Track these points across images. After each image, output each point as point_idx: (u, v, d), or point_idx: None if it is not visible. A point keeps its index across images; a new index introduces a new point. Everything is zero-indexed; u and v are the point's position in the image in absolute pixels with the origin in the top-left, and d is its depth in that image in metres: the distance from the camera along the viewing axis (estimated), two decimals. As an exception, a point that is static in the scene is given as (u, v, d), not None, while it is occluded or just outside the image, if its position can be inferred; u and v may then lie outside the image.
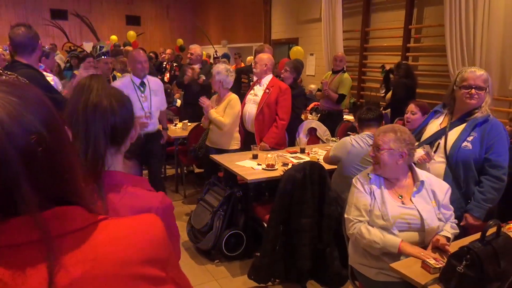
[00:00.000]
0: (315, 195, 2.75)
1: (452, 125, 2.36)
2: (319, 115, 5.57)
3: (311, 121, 4.81)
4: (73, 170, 0.60)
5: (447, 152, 2.31)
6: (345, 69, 5.42)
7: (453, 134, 2.32)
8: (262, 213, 3.20)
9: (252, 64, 3.88)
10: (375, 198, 2.03)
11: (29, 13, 11.81)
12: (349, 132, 4.16)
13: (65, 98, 2.48)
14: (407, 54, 6.09)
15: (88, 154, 0.90)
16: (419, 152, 2.37)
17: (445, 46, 5.10)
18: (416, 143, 2.43)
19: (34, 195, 0.53)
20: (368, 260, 2.05)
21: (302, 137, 4.49)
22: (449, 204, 2.07)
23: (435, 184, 2.07)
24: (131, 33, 11.06)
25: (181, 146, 4.73)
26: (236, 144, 3.77)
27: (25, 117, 0.53)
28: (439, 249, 1.87)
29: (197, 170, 5.43)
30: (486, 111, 2.28)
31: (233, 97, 3.68)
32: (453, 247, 1.73)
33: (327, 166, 2.96)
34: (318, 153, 3.60)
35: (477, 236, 1.60)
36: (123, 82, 3.52)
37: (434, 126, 2.47)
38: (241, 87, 4.75)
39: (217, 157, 3.50)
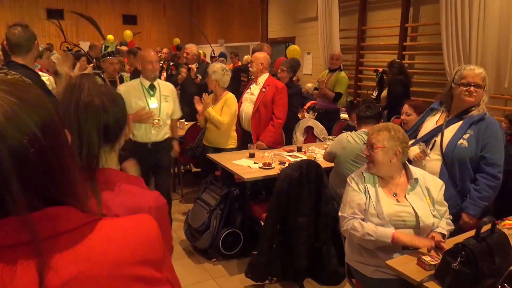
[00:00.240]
0: (312, 194, 2.75)
1: (448, 123, 2.36)
2: (316, 113, 5.58)
3: (308, 119, 4.82)
4: (67, 172, 0.60)
5: (443, 149, 2.32)
6: (341, 67, 5.42)
7: (449, 132, 2.33)
8: (259, 211, 3.21)
9: (249, 63, 3.87)
10: (370, 196, 2.03)
11: (25, 12, 11.76)
12: (343, 131, 4.17)
13: (57, 99, 2.46)
14: (404, 52, 6.10)
15: (82, 153, 0.90)
16: (415, 150, 2.38)
17: (441, 44, 5.12)
18: (412, 141, 2.44)
19: (24, 195, 0.53)
20: (365, 257, 2.06)
21: (299, 136, 4.50)
22: (443, 201, 2.08)
23: (429, 181, 2.08)
24: (128, 33, 11.03)
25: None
26: (233, 143, 3.78)
27: (21, 118, 0.53)
28: (434, 246, 1.88)
29: (194, 169, 5.43)
30: (483, 109, 2.29)
31: (230, 96, 3.68)
32: (448, 244, 1.74)
33: (324, 165, 2.97)
34: (315, 152, 3.61)
35: (472, 233, 1.61)
36: (132, 84, 3.24)
37: (430, 123, 2.48)
38: (240, 86, 4.74)
39: (214, 156, 3.50)
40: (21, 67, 2.43)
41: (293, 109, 4.10)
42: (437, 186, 2.08)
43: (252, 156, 3.45)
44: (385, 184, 2.08)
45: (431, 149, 2.38)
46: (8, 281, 0.53)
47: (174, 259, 0.90)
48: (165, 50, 8.89)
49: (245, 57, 7.91)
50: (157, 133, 3.21)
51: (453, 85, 2.35)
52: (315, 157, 3.38)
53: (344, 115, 5.59)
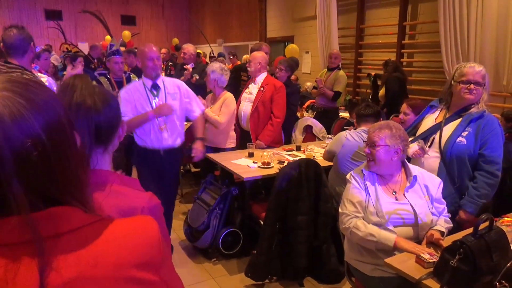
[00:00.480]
0: (311, 193, 2.76)
1: (447, 120, 2.36)
2: (315, 112, 5.58)
3: (306, 118, 4.82)
4: (71, 174, 0.60)
5: (442, 147, 2.32)
6: (340, 66, 5.43)
7: (448, 129, 2.33)
8: (258, 211, 3.21)
9: (247, 62, 3.87)
10: (369, 194, 2.03)
11: (23, 14, 11.76)
12: (345, 127, 4.18)
13: None
14: (402, 50, 6.10)
15: None
16: (414, 147, 2.38)
17: (440, 42, 5.12)
18: (411, 138, 2.44)
19: (25, 195, 0.53)
20: (364, 256, 2.06)
21: (298, 135, 4.50)
22: (441, 198, 2.08)
23: (428, 178, 2.09)
24: (126, 33, 11.01)
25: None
26: (232, 142, 3.78)
27: (27, 120, 0.53)
28: (433, 243, 1.88)
29: (193, 169, 5.43)
30: (482, 107, 2.29)
31: (228, 95, 3.68)
32: (446, 242, 1.74)
33: (323, 163, 2.97)
34: (314, 151, 3.61)
35: (470, 230, 1.61)
36: (134, 85, 2.91)
37: (429, 121, 2.48)
38: (240, 85, 4.74)
39: (213, 156, 3.50)
40: (17, 68, 2.43)
41: (291, 107, 4.10)
42: (436, 184, 2.08)
43: (251, 155, 3.46)
44: (384, 182, 2.08)
45: (429, 147, 2.38)
46: (11, 278, 0.53)
47: (174, 259, 0.89)
48: (163, 50, 8.87)
49: (244, 56, 7.90)
50: (168, 138, 2.92)
51: (452, 82, 2.35)
52: (314, 156, 3.38)
53: (343, 114, 5.59)
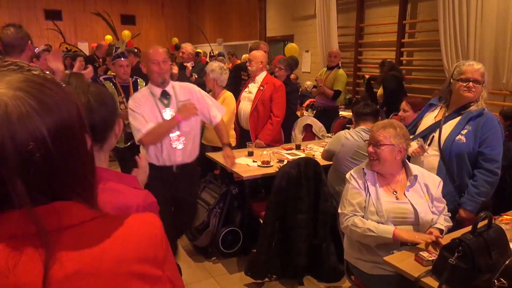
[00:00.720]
0: (311, 191, 2.76)
1: (447, 119, 2.37)
2: (314, 111, 5.59)
3: (306, 117, 4.82)
4: (77, 175, 0.61)
5: (441, 145, 2.32)
6: (340, 65, 5.43)
7: (448, 127, 2.33)
8: (258, 210, 3.22)
9: (247, 62, 3.86)
10: (369, 194, 2.03)
11: (23, 14, 11.76)
12: (347, 125, 4.18)
13: None
14: (402, 49, 6.10)
15: None
16: (413, 145, 2.38)
17: (439, 40, 5.12)
18: (411, 136, 2.44)
19: (28, 191, 0.54)
20: (363, 254, 2.06)
21: (297, 134, 4.50)
22: (441, 197, 2.08)
23: (428, 178, 2.09)
24: (126, 33, 11.02)
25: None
26: (231, 141, 3.78)
27: (34, 122, 0.54)
28: (432, 241, 1.89)
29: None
30: (482, 105, 2.29)
31: (228, 94, 3.68)
32: (445, 240, 1.74)
33: (323, 162, 2.98)
34: (313, 150, 3.61)
35: (469, 228, 1.61)
36: (141, 94, 2.52)
37: (429, 119, 2.48)
38: (240, 84, 4.74)
39: (212, 155, 3.50)
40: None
41: (291, 106, 4.10)
42: (435, 183, 2.08)
43: (250, 154, 3.46)
44: (385, 181, 2.08)
45: (429, 145, 2.39)
46: (12, 266, 0.54)
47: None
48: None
49: (243, 55, 7.90)
50: (183, 152, 2.56)
51: (452, 80, 2.35)
52: (313, 155, 3.38)
53: (343, 113, 5.59)
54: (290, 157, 3.39)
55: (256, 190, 3.58)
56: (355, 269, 2.15)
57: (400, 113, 3.22)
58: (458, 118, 2.32)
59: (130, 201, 0.94)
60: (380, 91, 5.26)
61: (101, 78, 3.83)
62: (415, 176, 2.06)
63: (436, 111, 2.48)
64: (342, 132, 2.90)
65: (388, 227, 1.92)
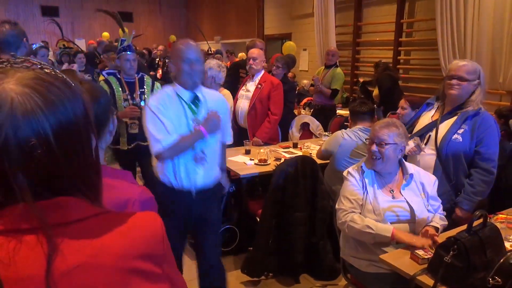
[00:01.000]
0: (307, 189, 2.77)
1: (443, 118, 2.38)
2: (312, 110, 5.59)
3: (304, 116, 4.83)
4: (81, 173, 0.62)
5: (438, 144, 2.33)
6: (337, 63, 5.43)
7: (444, 127, 2.34)
8: (255, 208, 3.22)
9: (249, 60, 3.82)
10: (367, 192, 2.04)
11: (20, 10, 11.70)
12: (346, 123, 4.19)
13: None
14: (399, 48, 6.11)
15: None
16: (410, 144, 2.39)
17: (437, 40, 5.13)
18: (408, 136, 2.46)
19: (30, 185, 0.56)
20: (359, 252, 2.07)
21: (295, 132, 4.51)
22: (436, 196, 2.10)
23: (424, 176, 2.10)
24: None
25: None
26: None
27: (37, 119, 0.55)
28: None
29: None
30: (478, 105, 2.29)
31: (226, 92, 3.68)
32: (441, 238, 1.75)
33: (319, 161, 2.98)
34: (310, 148, 3.61)
35: (464, 227, 1.62)
36: (166, 95, 2.07)
37: (426, 118, 2.49)
38: (238, 81, 4.74)
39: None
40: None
41: (288, 105, 4.11)
42: (431, 182, 2.10)
43: (248, 152, 3.46)
44: (382, 180, 2.09)
45: (426, 144, 2.40)
46: (15, 260, 0.55)
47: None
48: (160, 47, 8.87)
49: (240, 54, 7.89)
50: (204, 173, 2.10)
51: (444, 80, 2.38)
52: (310, 153, 3.38)
53: (340, 111, 5.61)
54: (287, 155, 3.40)
55: (253, 188, 3.58)
56: (351, 267, 2.16)
57: (398, 111, 3.24)
58: (454, 118, 2.33)
59: (126, 196, 0.95)
60: (375, 92, 5.28)
61: (104, 72, 3.59)
62: (411, 175, 2.07)
63: (433, 111, 2.49)
64: (339, 132, 2.90)
65: (387, 226, 1.92)
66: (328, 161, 3.03)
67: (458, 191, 2.32)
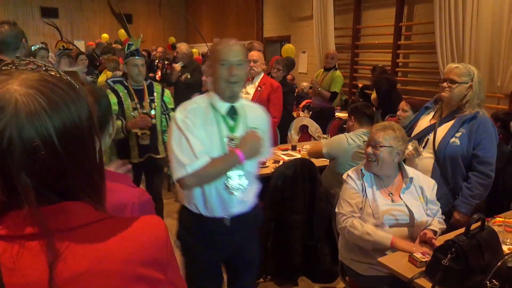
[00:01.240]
0: (306, 192, 2.77)
1: (441, 121, 2.39)
2: (311, 112, 5.60)
3: (302, 118, 4.84)
4: (84, 174, 0.62)
5: (436, 147, 2.34)
6: (336, 66, 5.45)
7: (442, 130, 2.35)
8: (254, 210, 3.22)
9: (250, 62, 3.82)
10: (366, 196, 2.04)
11: (19, 11, 11.69)
12: (344, 126, 4.20)
13: None
14: (398, 51, 6.13)
15: None
16: (408, 148, 2.40)
17: (435, 43, 5.16)
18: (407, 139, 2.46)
19: (34, 188, 0.56)
20: (358, 255, 2.08)
21: (293, 135, 4.51)
22: (435, 200, 2.10)
23: (423, 180, 2.11)
24: (123, 32, 10.98)
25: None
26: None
27: (41, 120, 0.55)
28: (426, 243, 1.90)
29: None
30: (474, 108, 2.29)
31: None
32: (439, 241, 1.76)
33: (318, 163, 2.98)
34: (309, 150, 3.62)
35: (462, 230, 1.63)
36: (199, 106, 1.71)
37: (424, 122, 2.50)
38: None
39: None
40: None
41: (287, 107, 4.12)
42: (430, 186, 2.10)
43: (246, 154, 3.45)
44: (381, 183, 2.09)
45: (424, 147, 2.41)
46: (18, 266, 0.55)
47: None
48: (160, 49, 8.86)
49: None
50: (242, 199, 1.74)
51: None
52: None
53: (339, 114, 5.62)
54: (286, 158, 3.40)
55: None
56: (350, 270, 2.16)
57: (399, 113, 3.24)
58: (452, 121, 2.34)
59: (124, 200, 0.94)
60: (373, 95, 5.30)
61: (109, 80, 3.23)
62: (411, 179, 2.08)
63: (432, 114, 2.50)
64: (343, 137, 2.85)
65: (386, 234, 1.92)
66: (325, 162, 3.03)
67: (456, 194, 2.33)
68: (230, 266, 1.93)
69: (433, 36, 5.19)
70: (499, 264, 1.46)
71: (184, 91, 4.48)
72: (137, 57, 3.03)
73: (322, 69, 5.52)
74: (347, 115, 3.30)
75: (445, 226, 2.07)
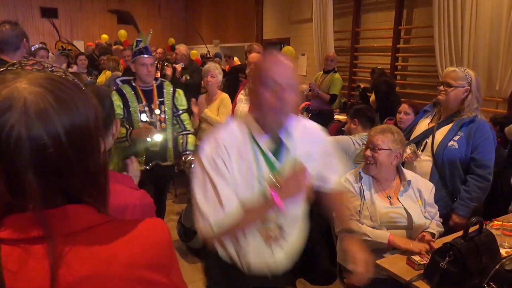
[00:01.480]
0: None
1: (440, 125, 2.40)
2: (309, 114, 5.61)
3: (301, 120, 4.83)
4: (89, 175, 0.62)
5: (434, 151, 2.35)
6: (336, 69, 5.46)
7: (441, 134, 2.36)
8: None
9: (251, 64, 3.81)
10: (364, 198, 2.05)
11: (19, 11, 11.68)
12: (343, 129, 4.20)
13: None
14: (397, 54, 6.15)
15: None
16: (406, 151, 2.41)
17: (434, 46, 5.17)
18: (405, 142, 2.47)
19: (40, 187, 0.55)
20: (356, 257, 2.07)
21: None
22: (433, 203, 2.11)
23: (421, 183, 2.11)
24: (122, 32, 10.99)
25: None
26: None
27: (50, 118, 0.56)
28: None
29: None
30: (472, 112, 2.30)
31: (225, 96, 3.70)
32: (437, 244, 1.77)
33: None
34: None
35: (460, 233, 1.63)
36: (236, 137, 1.34)
37: (423, 125, 2.51)
38: (238, 85, 4.76)
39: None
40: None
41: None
42: (428, 188, 2.11)
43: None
44: (379, 186, 2.10)
45: (422, 150, 2.41)
46: (21, 270, 0.55)
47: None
48: (159, 50, 8.87)
49: (235, 58, 7.98)
50: (285, 254, 1.50)
51: None
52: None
53: (338, 116, 5.63)
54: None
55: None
56: (348, 272, 2.16)
57: (401, 116, 3.24)
58: (450, 124, 2.36)
59: (125, 201, 0.94)
60: (372, 97, 5.31)
61: (117, 80, 3.03)
62: (409, 182, 2.08)
63: (430, 118, 2.51)
64: (348, 139, 2.81)
65: (383, 233, 1.93)
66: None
67: (454, 197, 2.34)
68: None
69: (432, 40, 5.21)
70: (496, 267, 1.47)
71: (185, 92, 4.47)
72: (145, 55, 2.77)
73: (322, 72, 5.54)
74: (346, 117, 3.29)
75: (443, 229, 2.07)
